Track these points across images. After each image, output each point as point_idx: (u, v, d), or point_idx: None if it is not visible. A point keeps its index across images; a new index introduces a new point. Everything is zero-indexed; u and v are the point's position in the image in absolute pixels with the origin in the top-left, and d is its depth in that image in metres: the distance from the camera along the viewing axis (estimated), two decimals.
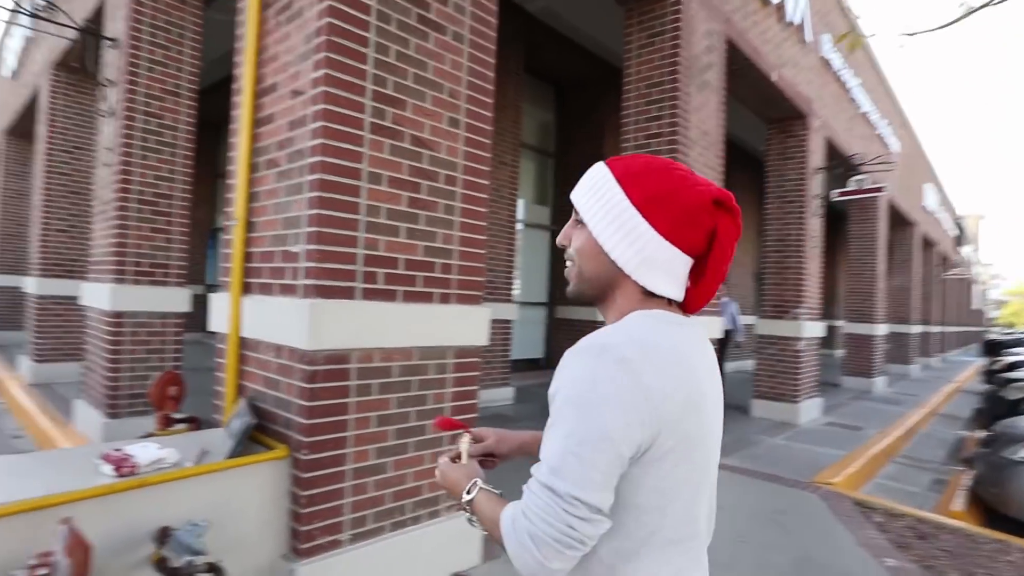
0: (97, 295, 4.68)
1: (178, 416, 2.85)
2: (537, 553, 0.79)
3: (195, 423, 2.92)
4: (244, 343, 2.72)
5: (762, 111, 7.50)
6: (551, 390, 0.88)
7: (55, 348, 7.19)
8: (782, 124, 7.70)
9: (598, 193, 0.93)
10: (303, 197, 2.42)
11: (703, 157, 5.02)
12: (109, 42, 4.88)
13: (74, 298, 7.01)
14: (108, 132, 4.80)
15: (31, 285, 7.31)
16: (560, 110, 9.51)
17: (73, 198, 7.37)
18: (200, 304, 5.39)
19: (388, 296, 2.58)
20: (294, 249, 2.46)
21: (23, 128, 9.62)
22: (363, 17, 2.48)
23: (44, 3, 4.93)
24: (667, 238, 0.89)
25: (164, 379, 2.89)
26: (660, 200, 0.88)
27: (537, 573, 0.80)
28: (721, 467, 4.76)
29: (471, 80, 2.91)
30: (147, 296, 4.56)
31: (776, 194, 7.75)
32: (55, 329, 7.19)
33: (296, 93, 2.51)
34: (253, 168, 2.74)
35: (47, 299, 7.15)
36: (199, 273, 12.03)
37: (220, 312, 2.83)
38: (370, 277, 2.51)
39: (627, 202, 0.89)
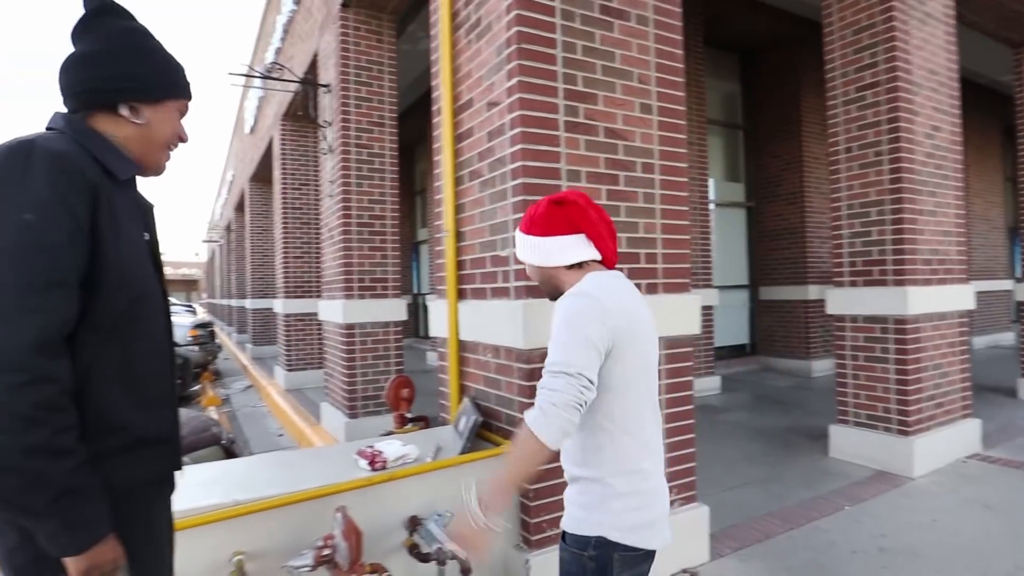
0: (331, 310, 5.37)
1: (411, 416, 3.15)
2: (564, 413, 1.23)
3: (425, 422, 3.19)
4: (463, 346, 2.90)
5: (1002, 33, 6.18)
6: (552, 328, 1.36)
7: (301, 358, 8.43)
8: None
9: (524, 247, 1.48)
10: (507, 203, 2.51)
11: (932, 101, 4.27)
12: (324, 88, 5.58)
13: (313, 314, 8.15)
14: (329, 167, 5.50)
15: (278, 305, 8.66)
16: (745, 79, 8.81)
17: (305, 228, 8.58)
18: (408, 312, 5.88)
19: None
20: (503, 254, 2.56)
21: (263, 174, 11.46)
22: (548, 19, 2.50)
23: (274, 65, 5.78)
24: (551, 235, 1.42)
25: (397, 382, 3.21)
26: (535, 222, 1.44)
27: (565, 428, 1.24)
28: (985, 459, 3.92)
29: (659, 62, 2.79)
30: (371, 308, 5.13)
31: None
32: (300, 342, 8.43)
33: (492, 105, 2.61)
34: (458, 181, 2.92)
35: (291, 316, 8.41)
36: (406, 284, 13.32)
37: (438, 318, 3.05)
38: None
39: (530, 237, 1.45)
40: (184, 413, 4.12)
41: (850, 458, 4.32)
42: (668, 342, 2.72)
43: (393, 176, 5.33)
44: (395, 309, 5.27)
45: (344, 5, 5.12)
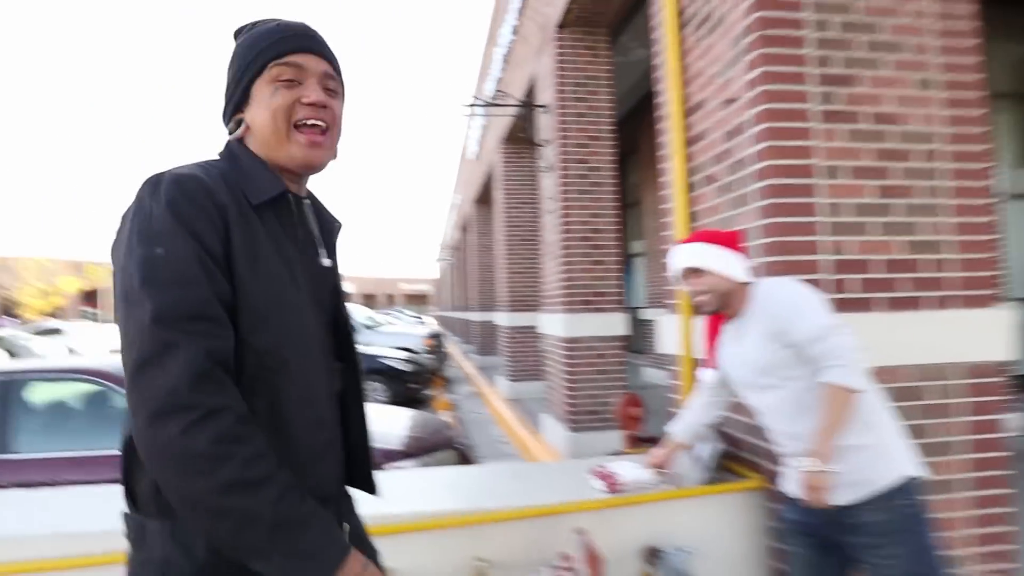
0: (552, 324, 5.48)
1: (642, 436, 3.02)
2: (860, 359, 1.52)
3: (657, 444, 3.03)
4: (696, 364, 2.69)
5: None
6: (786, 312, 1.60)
7: (523, 369, 8.79)
8: None
9: (713, 257, 1.71)
10: (750, 208, 2.27)
11: None
12: (542, 109, 5.78)
13: (533, 327, 8.47)
14: (548, 184, 5.65)
15: (501, 318, 9.16)
16: None
17: (525, 245, 8.98)
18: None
19: (860, 306, 2.18)
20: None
21: (485, 196, 12.34)
22: None
23: (497, 93, 6.15)
24: (737, 251, 1.74)
25: (627, 400, 3.11)
26: (722, 237, 1.77)
27: (865, 372, 1.55)
28: None
29: (943, 26, 2.30)
30: (591, 322, 5.12)
31: None
32: (521, 353, 8.81)
33: (729, 102, 2.39)
34: (689, 188, 2.73)
35: (513, 329, 8.83)
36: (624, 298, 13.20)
37: (669, 334, 2.88)
38: (838, 286, 2.16)
39: (721, 249, 1.73)
40: (421, 415, 4.52)
41: None
42: (967, 369, 2.20)
43: (612, 189, 5.28)
44: (616, 323, 5.19)
45: (560, 26, 5.24)
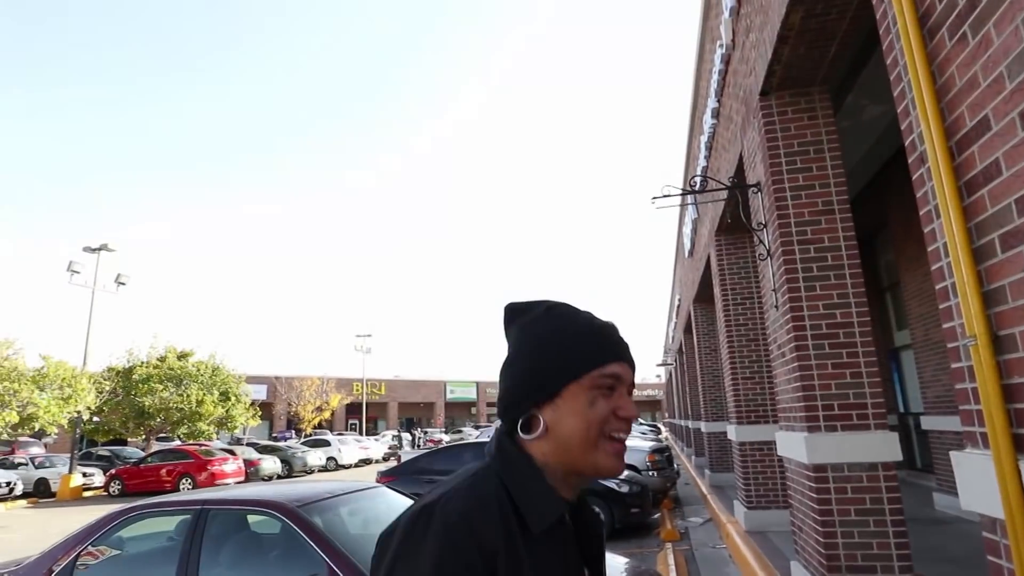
0: (792, 445, 4.34)
1: None
2: None
3: None
4: None
5: None
6: None
7: (762, 494, 7.31)
8: None
9: None
10: None
11: None
12: (753, 189, 5.00)
13: (770, 442, 7.07)
14: (769, 273, 4.73)
15: (731, 431, 7.88)
16: None
17: (752, 346, 7.80)
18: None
19: None
20: None
21: (705, 294, 11.36)
22: None
23: (694, 179, 5.56)
24: None
25: None
26: None
27: None
28: None
29: None
30: (847, 443, 3.90)
31: None
32: (759, 475, 7.38)
33: None
34: (980, 256, 1.80)
35: (746, 444, 7.50)
36: (888, 404, 10.74)
37: (978, 483, 1.83)
38: None
39: None
40: (629, 566, 3.70)
41: None
42: None
43: (854, 272, 4.18)
44: (883, 445, 3.87)
45: (763, 93, 4.56)
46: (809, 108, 4.50)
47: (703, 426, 12.33)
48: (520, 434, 0.88)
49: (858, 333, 4.04)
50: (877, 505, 3.84)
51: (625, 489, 8.44)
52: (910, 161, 2.19)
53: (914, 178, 2.17)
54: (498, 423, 0.95)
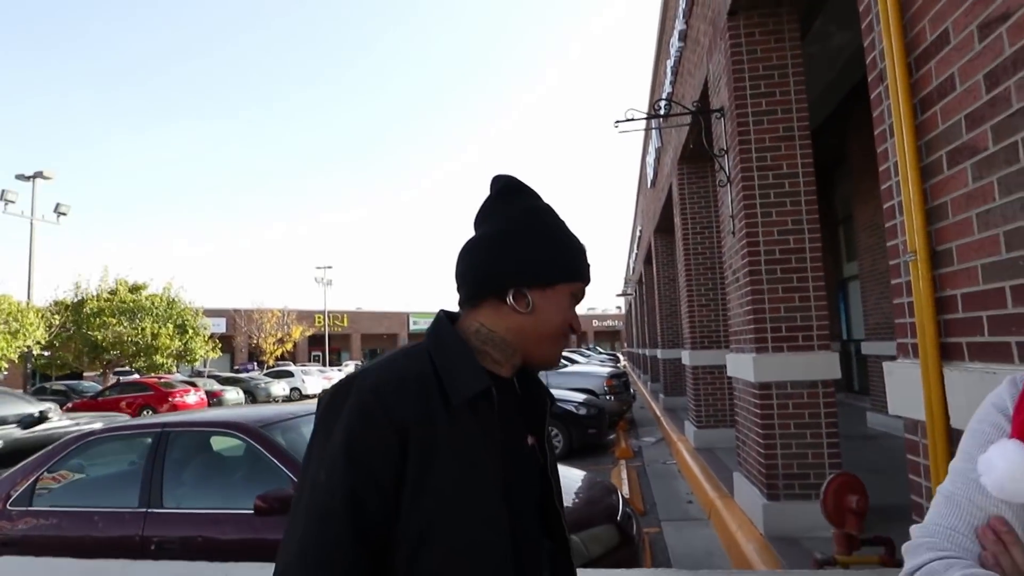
0: (740, 365, 4.54)
1: (863, 536, 2.08)
2: None
3: (889, 548, 2.06)
4: (952, 439, 1.74)
5: None
6: None
7: (711, 414, 7.71)
8: None
9: None
10: None
11: None
12: (716, 114, 4.97)
13: (722, 366, 7.39)
14: (728, 200, 4.79)
15: (685, 357, 8.19)
16: None
17: (709, 274, 7.99)
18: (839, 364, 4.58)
19: None
20: None
21: (666, 224, 11.47)
22: None
23: (658, 103, 5.49)
24: None
25: (839, 484, 2.19)
26: None
27: None
28: None
29: None
30: (791, 363, 4.09)
31: None
32: (709, 396, 7.74)
33: (994, 23, 1.52)
34: (927, 173, 1.84)
35: (699, 369, 7.82)
36: (834, 330, 11.26)
37: (905, 388, 1.95)
38: None
39: None
40: (585, 478, 3.89)
41: None
42: None
43: (810, 200, 4.26)
44: (823, 365, 4.08)
45: (731, 13, 4.45)
46: (776, 30, 4.43)
47: (659, 353, 12.77)
48: (481, 307, 0.94)
49: (809, 259, 4.17)
50: (815, 419, 4.09)
51: (583, 412, 8.78)
52: (870, 79, 2.19)
53: (872, 96, 2.18)
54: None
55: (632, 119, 4.96)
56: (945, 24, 1.71)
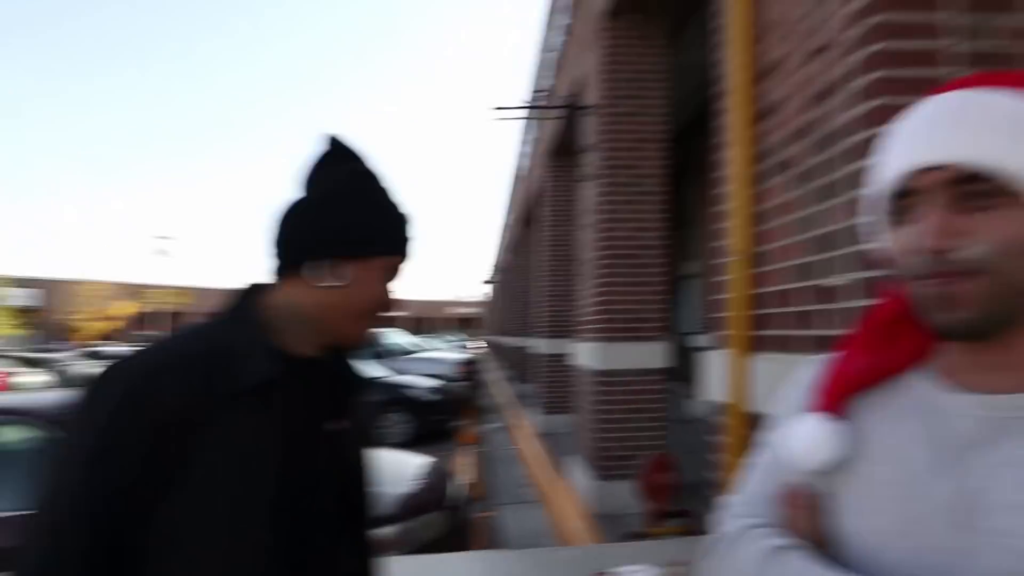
0: (584, 354, 4.76)
1: (672, 510, 2.27)
2: None
3: (691, 518, 2.27)
4: (754, 420, 1.94)
5: None
6: None
7: (557, 400, 8.05)
8: None
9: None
10: (845, 199, 1.54)
11: None
12: (587, 111, 5.14)
13: (571, 355, 7.74)
14: (589, 195, 4.98)
15: (542, 345, 8.47)
16: None
17: (568, 265, 8.30)
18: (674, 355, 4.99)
19: None
20: (832, 282, 1.58)
21: (532, 214, 11.76)
22: None
23: (537, 94, 5.57)
24: None
25: (656, 463, 2.36)
26: None
27: None
28: None
29: None
30: (628, 352, 4.37)
31: None
32: (558, 383, 8.07)
33: (818, 51, 1.68)
34: (756, 179, 2.02)
35: (551, 357, 8.12)
36: (670, 323, 12.23)
37: (715, 374, 2.14)
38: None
39: None
40: (424, 464, 3.83)
41: None
42: None
43: (662, 201, 4.56)
44: (656, 353, 4.41)
45: (612, 14, 4.62)
46: (649, 36, 4.66)
47: (518, 341, 13.13)
48: (292, 277, 0.85)
49: (655, 256, 4.46)
50: (645, 404, 4.41)
51: (432, 398, 8.76)
52: (719, 91, 2.36)
53: (716, 107, 2.35)
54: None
55: (510, 107, 4.99)
56: (781, 49, 1.88)
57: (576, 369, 5.29)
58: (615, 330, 4.40)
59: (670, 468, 2.29)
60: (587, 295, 4.93)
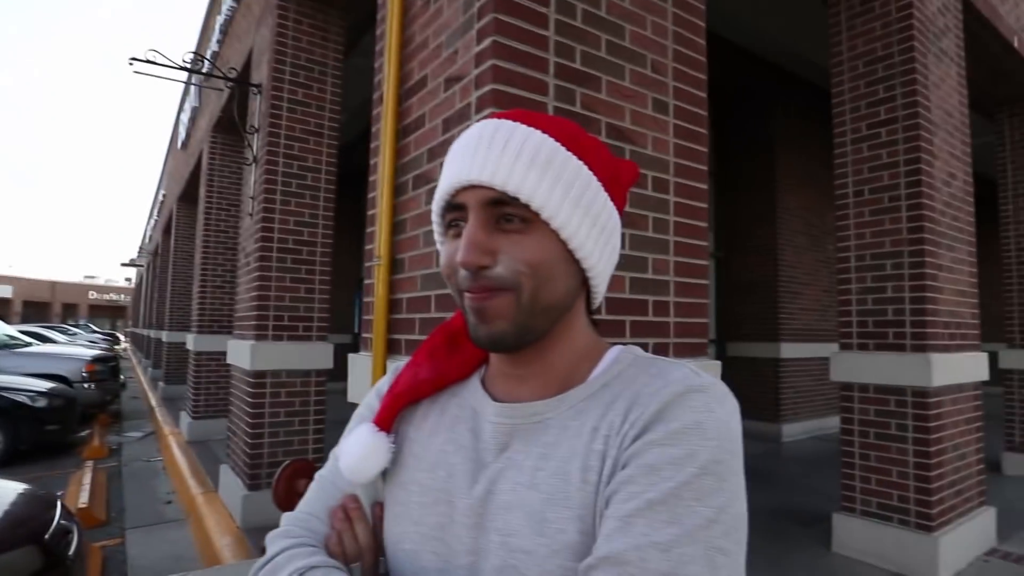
0: (239, 352, 4.39)
1: None
2: None
3: None
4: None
5: (989, 90, 5.95)
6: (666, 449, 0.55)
7: (211, 404, 7.26)
8: (1016, 105, 6.11)
9: (555, 171, 0.60)
10: None
11: (948, 145, 3.81)
12: (254, 89, 4.74)
13: (226, 353, 7.04)
14: (251, 180, 4.61)
15: (189, 341, 7.51)
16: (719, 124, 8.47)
17: (229, 254, 7.54)
18: (344, 354, 5.00)
19: None
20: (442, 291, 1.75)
21: (192, 193, 10.36)
22: None
23: (194, 56, 4.92)
24: (620, 204, 0.68)
25: (292, 470, 2.30)
26: (615, 179, 0.66)
27: None
28: (1006, 556, 3.38)
29: (678, 49, 2.10)
30: (289, 352, 4.18)
31: (1018, 193, 6.09)
32: (212, 384, 7.28)
33: (453, 80, 1.85)
34: (398, 191, 2.11)
35: (203, 355, 7.28)
36: (346, 324, 12.22)
37: (360, 376, 2.19)
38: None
39: (595, 181, 0.63)
40: (16, 492, 3.02)
41: (858, 555, 3.61)
42: None
43: (329, 196, 4.48)
44: (318, 355, 4.32)
45: None
46: (324, 27, 4.53)
47: (164, 335, 11.41)
48: None
49: (319, 254, 4.36)
50: (305, 407, 4.28)
51: (41, 404, 6.99)
52: (375, 97, 2.41)
53: (372, 115, 2.40)
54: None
55: (153, 62, 4.25)
56: (425, 71, 2.01)
57: (232, 369, 4.84)
58: (273, 328, 4.17)
59: (308, 474, 2.26)
60: (245, 289, 4.55)
